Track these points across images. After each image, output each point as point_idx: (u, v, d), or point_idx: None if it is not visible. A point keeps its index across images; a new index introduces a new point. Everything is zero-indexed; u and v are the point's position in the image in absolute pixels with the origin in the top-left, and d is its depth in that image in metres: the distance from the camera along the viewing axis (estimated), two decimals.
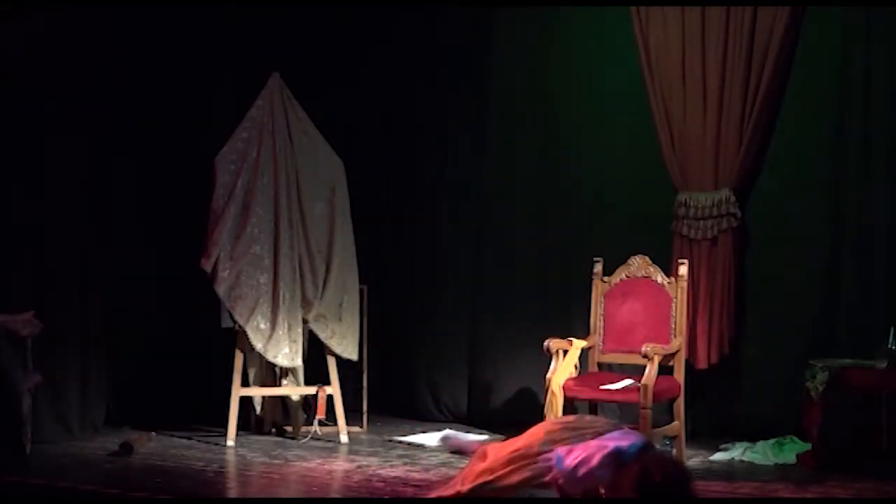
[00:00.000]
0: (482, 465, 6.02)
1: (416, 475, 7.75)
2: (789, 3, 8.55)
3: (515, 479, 5.89)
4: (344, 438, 8.87)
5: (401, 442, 8.91)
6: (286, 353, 8.77)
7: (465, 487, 5.99)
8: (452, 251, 9.84)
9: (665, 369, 8.06)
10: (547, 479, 5.82)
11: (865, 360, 8.00)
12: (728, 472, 7.94)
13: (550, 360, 8.18)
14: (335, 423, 8.93)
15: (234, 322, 8.75)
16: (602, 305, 8.46)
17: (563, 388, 8.03)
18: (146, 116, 9.48)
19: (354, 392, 9.52)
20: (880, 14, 8.43)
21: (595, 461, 5.69)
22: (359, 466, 8.07)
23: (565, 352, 8.19)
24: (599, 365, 8.46)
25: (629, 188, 9.21)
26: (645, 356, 7.86)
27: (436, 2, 9.74)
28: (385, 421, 9.70)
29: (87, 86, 9.03)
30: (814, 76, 8.67)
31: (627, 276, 8.43)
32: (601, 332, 8.44)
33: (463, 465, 6.42)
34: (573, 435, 5.89)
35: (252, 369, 8.99)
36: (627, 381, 7.98)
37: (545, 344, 8.18)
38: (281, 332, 8.74)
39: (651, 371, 7.81)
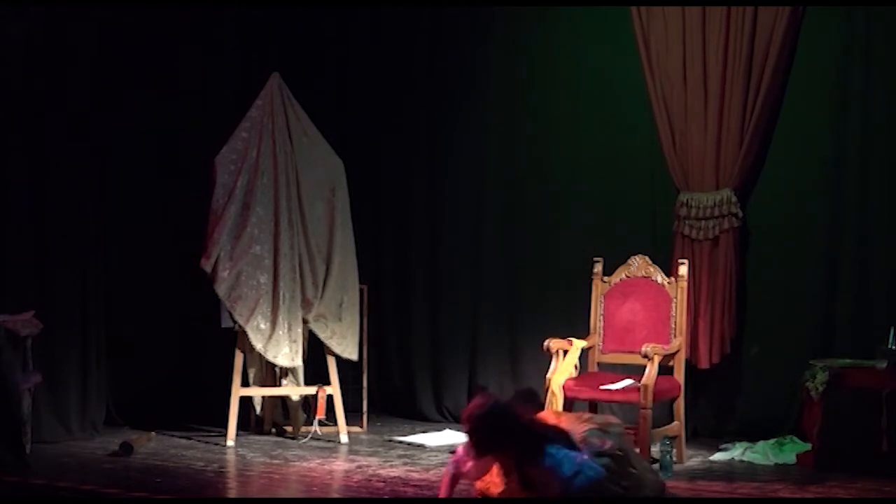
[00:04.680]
0: None
1: (416, 475, 7.75)
2: (789, 3, 8.55)
3: None
4: (344, 438, 8.87)
5: (401, 442, 8.91)
6: (286, 353, 8.78)
7: None
8: (452, 251, 9.84)
9: (665, 369, 8.06)
10: None
11: (865, 360, 8.00)
12: (728, 472, 7.94)
13: (550, 360, 8.19)
14: (335, 423, 8.93)
15: (234, 322, 8.75)
16: (602, 305, 8.46)
17: (563, 388, 8.03)
18: (146, 115, 9.49)
19: (354, 392, 9.52)
20: (880, 14, 8.42)
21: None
22: (359, 466, 8.07)
23: (565, 352, 8.19)
24: (599, 365, 8.46)
25: (630, 188, 9.20)
26: (645, 356, 7.86)
27: (436, 2, 9.74)
28: (385, 421, 9.71)
29: (87, 85, 9.04)
30: (814, 76, 8.66)
31: (627, 276, 8.43)
32: (601, 332, 8.44)
33: None
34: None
35: (252, 369, 8.99)
36: (627, 381, 7.97)
37: (545, 344, 8.18)
38: (281, 332, 8.74)
39: (651, 371, 7.81)
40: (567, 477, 6.15)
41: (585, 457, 6.25)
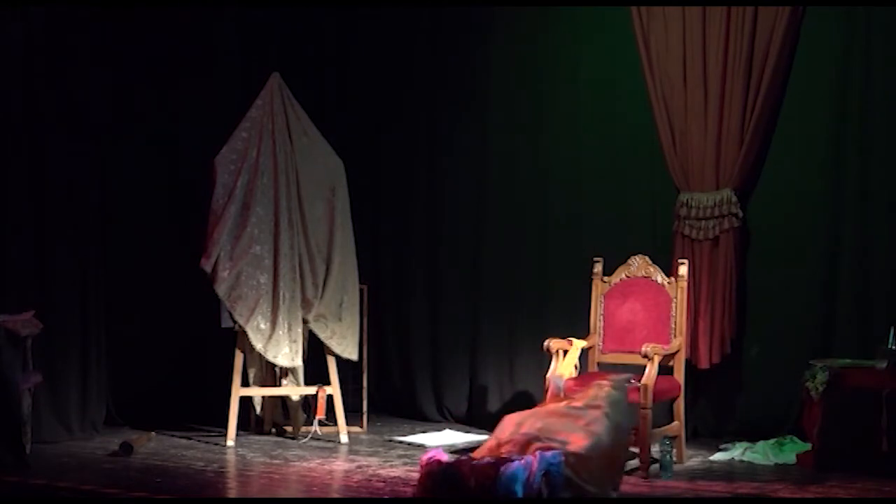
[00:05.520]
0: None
1: (416, 475, 7.71)
2: (789, 3, 8.55)
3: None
4: (344, 438, 8.87)
5: (401, 442, 8.91)
6: (286, 353, 8.77)
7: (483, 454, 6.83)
8: (452, 251, 9.84)
9: (665, 369, 8.06)
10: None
11: (865, 360, 8.00)
12: (728, 472, 7.94)
13: (550, 360, 8.19)
14: (335, 423, 8.93)
15: (234, 322, 8.75)
16: (602, 305, 8.46)
17: (563, 388, 8.02)
18: (147, 115, 9.49)
19: (354, 392, 9.52)
20: (880, 14, 8.42)
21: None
22: (359, 466, 8.07)
23: (565, 352, 8.19)
24: (599, 365, 8.46)
25: (630, 188, 9.21)
26: (645, 356, 7.85)
27: (436, 2, 9.74)
28: (385, 421, 9.71)
29: (87, 85, 9.04)
30: (814, 76, 8.66)
31: (627, 276, 8.43)
32: (601, 332, 8.44)
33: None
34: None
35: (252, 369, 8.99)
36: None
37: (545, 344, 8.18)
38: (281, 332, 8.74)
39: (651, 371, 7.81)
40: (535, 480, 6.29)
41: (538, 459, 6.40)
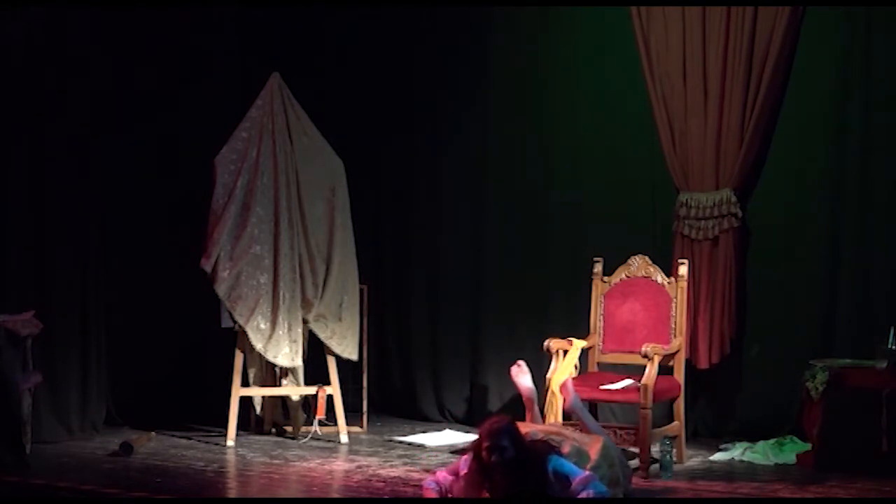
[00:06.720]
0: None
1: (416, 475, 7.75)
2: (789, 3, 8.55)
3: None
4: (344, 438, 8.87)
5: (401, 442, 8.91)
6: (286, 353, 8.78)
7: None
8: (453, 251, 9.84)
9: (665, 369, 8.06)
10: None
11: (865, 360, 8.00)
12: (728, 472, 7.95)
13: (550, 360, 8.19)
14: (335, 423, 8.93)
15: (234, 322, 8.75)
16: (602, 305, 8.46)
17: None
18: (147, 115, 9.49)
19: (354, 392, 9.52)
20: (880, 14, 8.43)
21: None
22: (359, 466, 8.07)
23: (565, 352, 8.19)
24: (599, 365, 8.46)
25: (630, 188, 9.21)
26: (645, 356, 7.86)
27: (436, 2, 9.74)
28: (385, 421, 9.71)
29: (87, 85, 9.04)
30: (814, 76, 8.67)
31: (627, 276, 8.43)
32: (601, 332, 8.44)
33: None
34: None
35: (252, 369, 8.99)
36: (627, 381, 7.98)
37: (545, 344, 8.19)
38: (281, 332, 8.74)
39: (651, 371, 7.81)
40: (577, 490, 6.25)
41: (590, 477, 6.35)
